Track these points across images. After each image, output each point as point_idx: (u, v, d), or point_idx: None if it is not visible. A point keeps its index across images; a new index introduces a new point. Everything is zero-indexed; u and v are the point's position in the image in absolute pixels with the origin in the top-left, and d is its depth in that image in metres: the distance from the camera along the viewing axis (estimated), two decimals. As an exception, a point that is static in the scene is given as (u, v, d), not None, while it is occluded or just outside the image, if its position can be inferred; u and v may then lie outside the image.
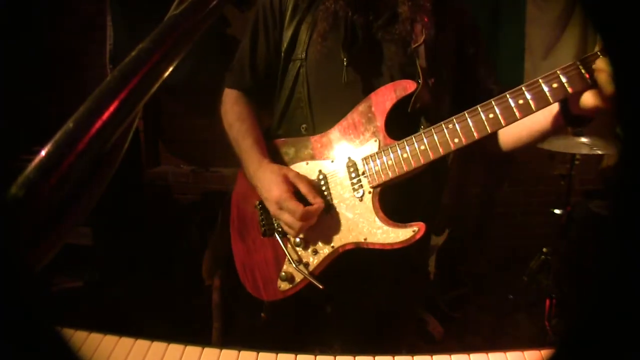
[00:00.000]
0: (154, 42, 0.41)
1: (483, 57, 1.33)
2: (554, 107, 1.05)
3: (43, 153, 0.35)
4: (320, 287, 1.18)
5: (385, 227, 1.14)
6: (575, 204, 3.04)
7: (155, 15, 0.63)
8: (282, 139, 1.31)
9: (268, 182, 1.20)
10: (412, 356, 0.94)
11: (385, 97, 1.17)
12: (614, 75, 0.80)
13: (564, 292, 2.78)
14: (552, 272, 2.85)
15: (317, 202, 1.16)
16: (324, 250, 1.21)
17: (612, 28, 0.39)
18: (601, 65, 0.91)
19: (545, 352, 0.94)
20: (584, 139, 2.60)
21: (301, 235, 1.22)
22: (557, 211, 2.90)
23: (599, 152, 2.58)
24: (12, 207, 0.33)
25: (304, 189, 1.18)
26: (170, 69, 0.42)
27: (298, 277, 1.23)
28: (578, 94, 0.97)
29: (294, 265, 1.22)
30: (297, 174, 1.21)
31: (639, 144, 0.37)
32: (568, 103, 1.02)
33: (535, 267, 3.11)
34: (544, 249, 3.07)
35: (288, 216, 1.15)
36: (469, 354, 0.95)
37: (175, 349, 0.96)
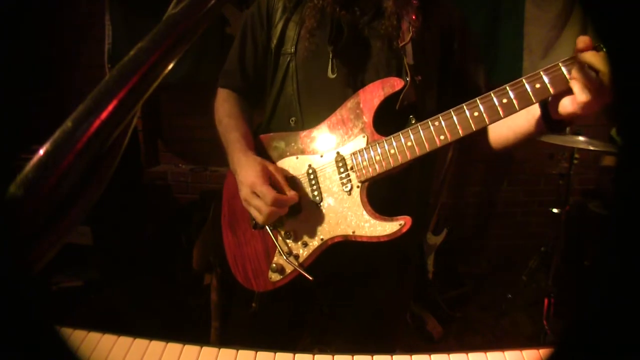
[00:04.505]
0: (152, 41, 0.41)
1: (472, 55, 1.34)
2: (536, 112, 1.08)
3: (42, 152, 0.35)
4: (310, 278, 1.20)
5: (373, 221, 1.17)
6: (574, 203, 3.04)
7: (153, 15, 0.63)
8: (273, 134, 1.34)
9: (247, 168, 1.22)
10: (411, 355, 0.94)
11: (373, 94, 1.20)
12: (613, 76, 0.80)
13: (562, 291, 2.79)
14: (551, 271, 2.85)
15: (291, 194, 1.19)
16: (313, 242, 1.23)
17: (611, 28, 0.39)
18: (575, 74, 0.92)
19: (543, 352, 0.94)
20: (581, 137, 2.61)
21: (291, 228, 1.25)
22: (555, 210, 2.90)
23: (594, 148, 2.59)
24: (11, 206, 0.33)
25: (281, 180, 1.21)
26: (169, 68, 0.42)
27: (288, 269, 1.26)
28: (558, 99, 0.99)
29: (284, 257, 1.24)
30: (277, 167, 1.24)
31: (636, 145, 0.37)
32: (549, 108, 1.05)
33: (535, 267, 3.11)
34: (543, 248, 3.08)
35: (259, 200, 1.17)
36: (467, 353, 0.95)
37: (173, 348, 0.96)
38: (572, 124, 1.08)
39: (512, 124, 1.15)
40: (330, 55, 1.23)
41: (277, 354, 0.95)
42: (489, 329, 3.04)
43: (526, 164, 3.74)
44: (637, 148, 0.37)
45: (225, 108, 1.42)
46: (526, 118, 1.12)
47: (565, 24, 3.28)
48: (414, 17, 1.22)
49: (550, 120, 1.06)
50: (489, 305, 3.24)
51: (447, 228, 3.14)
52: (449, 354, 0.95)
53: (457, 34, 1.30)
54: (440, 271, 3.13)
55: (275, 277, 1.27)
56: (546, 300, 2.77)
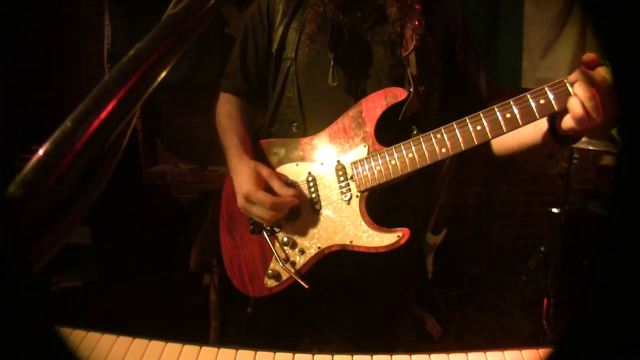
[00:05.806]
0: (151, 41, 0.41)
1: (473, 57, 1.32)
2: (544, 125, 1.06)
3: (41, 152, 0.35)
4: (306, 286, 1.19)
5: (371, 231, 1.16)
6: (574, 203, 3.04)
7: (153, 14, 0.63)
8: (273, 139, 1.32)
9: (241, 176, 1.21)
10: (410, 355, 0.94)
11: (376, 104, 1.18)
12: (614, 77, 0.80)
13: (562, 291, 2.79)
14: (551, 271, 2.86)
15: (288, 195, 1.18)
16: (310, 250, 1.22)
17: (611, 28, 0.39)
18: (575, 89, 0.91)
19: (543, 351, 0.94)
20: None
21: (289, 235, 1.24)
22: (555, 210, 2.91)
23: (594, 148, 2.59)
24: (10, 206, 0.33)
25: (276, 186, 1.19)
26: (168, 68, 0.42)
27: (284, 275, 1.25)
28: (564, 114, 0.97)
29: (281, 264, 1.23)
30: (271, 172, 1.22)
31: (636, 145, 0.37)
32: (556, 122, 1.02)
33: (534, 267, 3.12)
34: (542, 248, 3.08)
35: (256, 208, 1.17)
36: (467, 353, 0.95)
37: (173, 348, 0.96)
38: (579, 139, 1.06)
39: (518, 134, 1.12)
40: (332, 63, 1.21)
41: (277, 354, 0.95)
42: (489, 329, 3.05)
43: (526, 164, 3.74)
44: (637, 148, 0.37)
45: (225, 109, 1.41)
46: (533, 130, 1.09)
47: (564, 23, 3.27)
48: (416, 23, 1.20)
49: (558, 135, 1.04)
50: (488, 305, 3.24)
51: (447, 228, 3.14)
52: (448, 354, 0.95)
53: (459, 35, 1.29)
54: (439, 271, 3.13)
55: (271, 283, 1.26)
56: (545, 300, 2.77)
